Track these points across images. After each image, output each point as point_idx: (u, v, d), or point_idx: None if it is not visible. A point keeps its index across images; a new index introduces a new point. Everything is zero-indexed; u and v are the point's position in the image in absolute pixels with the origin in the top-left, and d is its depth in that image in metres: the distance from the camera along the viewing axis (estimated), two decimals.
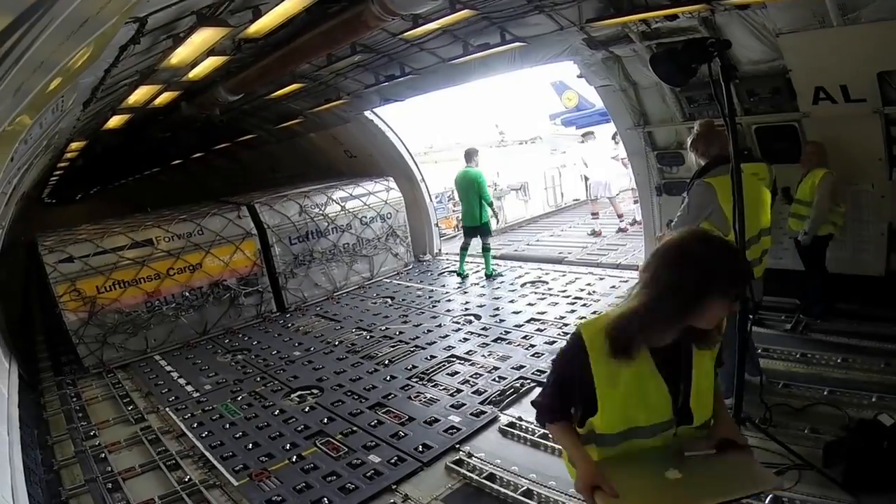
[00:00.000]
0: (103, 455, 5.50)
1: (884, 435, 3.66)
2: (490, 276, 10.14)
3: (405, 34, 7.47)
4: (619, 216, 12.26)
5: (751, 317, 4.79)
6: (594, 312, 7.60)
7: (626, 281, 8.79)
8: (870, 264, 6.17)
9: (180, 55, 5.88)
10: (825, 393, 4.80)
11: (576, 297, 8.38)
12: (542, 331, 7.30)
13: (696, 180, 4.51)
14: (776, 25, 5.45)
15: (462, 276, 10.40)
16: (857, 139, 5.69)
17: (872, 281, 5.74)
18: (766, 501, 3.61)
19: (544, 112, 34.50)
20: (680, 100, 7.09)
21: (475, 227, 10.10)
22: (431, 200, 12.67)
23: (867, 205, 6.05)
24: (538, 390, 5.65)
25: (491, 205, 10.08)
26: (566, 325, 7.34)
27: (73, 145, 10.90)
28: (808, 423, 4.40)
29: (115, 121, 9.36)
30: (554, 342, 6.83)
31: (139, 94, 7.80)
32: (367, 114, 11.41)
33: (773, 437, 4.06)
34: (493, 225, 10.16)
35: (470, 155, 10.11)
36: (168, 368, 7.84)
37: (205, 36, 5.39)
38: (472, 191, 9.92)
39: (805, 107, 5.95)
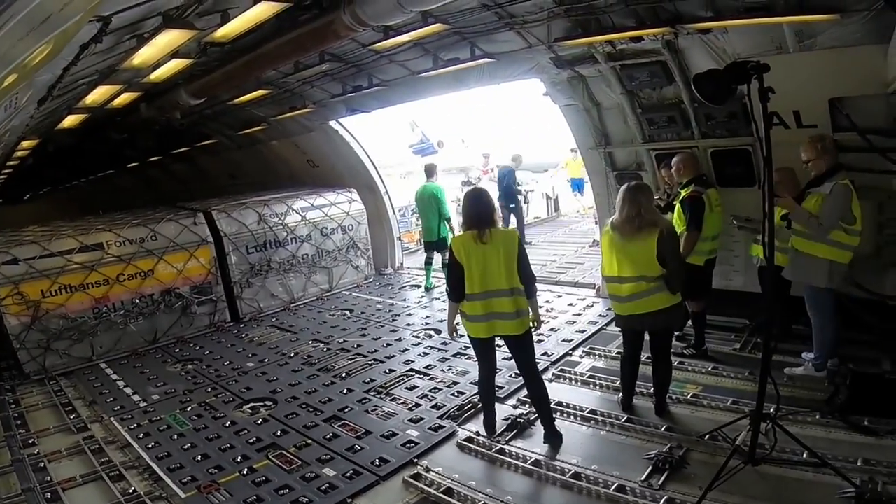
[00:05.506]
0: (42, 464, 5.24)
1: None
2: None
3: (375, 45, 7.48)
4: None
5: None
6: (552, 329, 7.67)
7: (584, 299, 8.91)
8: None
9: (143, 56, 5.78)
10: (771, 410, 4.93)
11: None
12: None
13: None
14: (736, 50, 5.65)
15: (429, 289, 10.44)
16: None
17: None
18: None
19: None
20: (641, 122, 7.26)
21: (433, 241, 10.18)
22: (395, 213, 12.62)
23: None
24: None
25: (449, 220, 10.05)
26: None
27: (25, 143, 10.55)
28: None
29: (70, 120, 9.11)
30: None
31: (98, 94, 7.62)
32: (332, 123, 11.33)
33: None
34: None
35: (430, 170, 10.27)
36: (114, 377, 7.55)
37: (170, 38, 5.31)
38: (431, 206, 10.00)
39: (759, 131, 6.15)
